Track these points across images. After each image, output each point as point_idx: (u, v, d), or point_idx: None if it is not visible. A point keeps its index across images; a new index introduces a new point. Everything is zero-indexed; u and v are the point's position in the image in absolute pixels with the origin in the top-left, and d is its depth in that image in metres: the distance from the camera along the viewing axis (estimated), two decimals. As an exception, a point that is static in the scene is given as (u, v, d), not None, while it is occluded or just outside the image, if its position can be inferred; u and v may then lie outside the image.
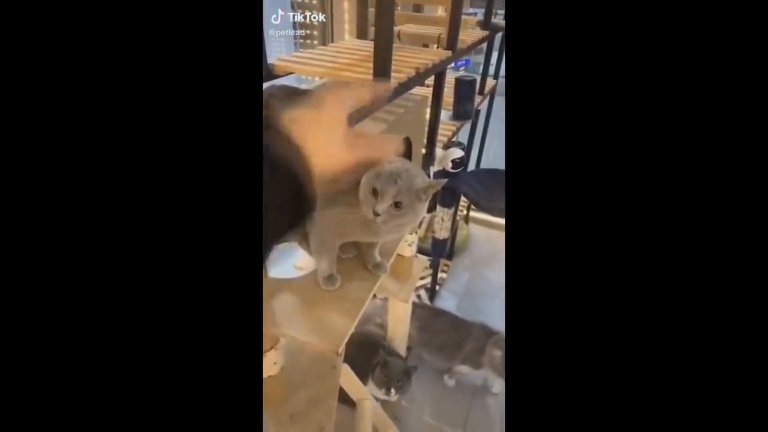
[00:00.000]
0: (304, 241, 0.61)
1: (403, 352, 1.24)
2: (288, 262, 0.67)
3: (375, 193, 0.46)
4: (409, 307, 1.08)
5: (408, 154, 0.76)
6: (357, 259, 0.66)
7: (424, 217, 0.55)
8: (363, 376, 1.03)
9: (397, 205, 0.46)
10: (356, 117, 0.47)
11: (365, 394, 0.89)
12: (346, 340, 0.53)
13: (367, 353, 1.08)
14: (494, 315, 1.58)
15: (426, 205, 0.50)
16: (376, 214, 0.46)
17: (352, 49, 0.75)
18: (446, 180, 0.49)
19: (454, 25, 0.81)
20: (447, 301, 1.63)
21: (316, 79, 0.73)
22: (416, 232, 0.85)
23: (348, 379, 0.86)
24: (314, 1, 1.09)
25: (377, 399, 1.02)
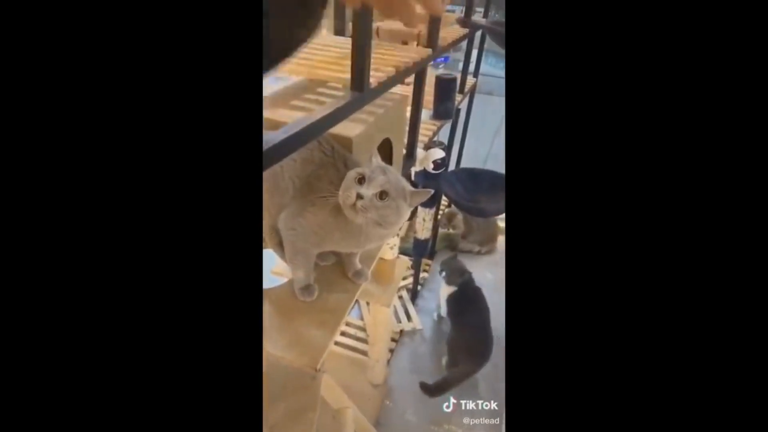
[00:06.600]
0: (280, 248, 0.58)
1: (384, 358, 1.23)
2: (264, 269, 0.64)
3: (361, 181, 0.45)
4: (390, 312, 1.06)
5: (388, 155, 0.73)
6: (336, 267, 0.63)
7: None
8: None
9: (382, 195, 0.45)
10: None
11: (347, 402, 0.87)
12: (325, 354, 0.50)
13: None
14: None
15: (408, 211, 0.48)
16: (359, 197, 0.44)
17: (329, 46, 0.72)
18: (432, 191, 0.48)
19: (434, 22, 0.79)
20: (429, 301, 1.63)
21: (292, 77, 0.70)
22: (398, 235, 0.83)
23: (329, 387, 0.84)
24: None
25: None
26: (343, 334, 1.41)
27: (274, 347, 0.50)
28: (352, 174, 0.47)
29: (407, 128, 0.85)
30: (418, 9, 0.28)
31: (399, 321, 1.50)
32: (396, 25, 1.13)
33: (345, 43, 0.74)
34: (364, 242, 0.51)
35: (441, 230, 1.82)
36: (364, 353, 1.32)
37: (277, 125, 0.47)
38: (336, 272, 0.62)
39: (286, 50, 0.24)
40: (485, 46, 1.61)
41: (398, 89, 0.81)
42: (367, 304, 1.42)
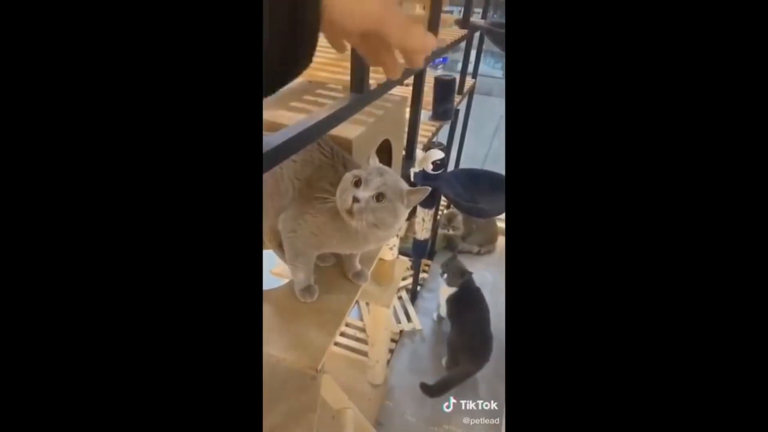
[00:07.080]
0: (280, 249, 0.58)
1: (384, 359, 1.22)
2: (264, 271, 0.64)
3: (358, 183, 0.45)
4: (390, 312, 1.06)
5: (388, 156, 0.73)
6: (336, 268, 0.63)
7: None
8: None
9: (379, 197, 0.45)
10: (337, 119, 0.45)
11: (347, 403, 0.87)
12: (325, 355, 0.50)
13: None
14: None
15: (406, 212, 0.48)
16: (356, 200, 0.44)
17: (328, 47, 0.72)
18: (430, 189, 0.48)
19: (433, 23, 0.79)
20: (428, 302, 1.63)
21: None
22: (397, 235, 0.83)
23: (329, 388, 0.83)
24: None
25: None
26: (342, 334, 1.41)
27: (275, 348, 0.50)
28: (348, 177, 0.46)
29: (407, 129, 0.85)
30: (401, 60, 0.30)
31: (399, 321, 1.50)
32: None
33: (344, 44, 0.74)
34: (362, 244, 0.51)
35: (441, 231, 1.82)
36: (364, 354, 1.32)
37: (277, 127, 0.47)
38: (336, 273, 0.62)
39: (284, 75, 0.25)
40: (483, 46, 1.61)
41: (397, 90, 0.81)
42: (367, 304, 1.42)
